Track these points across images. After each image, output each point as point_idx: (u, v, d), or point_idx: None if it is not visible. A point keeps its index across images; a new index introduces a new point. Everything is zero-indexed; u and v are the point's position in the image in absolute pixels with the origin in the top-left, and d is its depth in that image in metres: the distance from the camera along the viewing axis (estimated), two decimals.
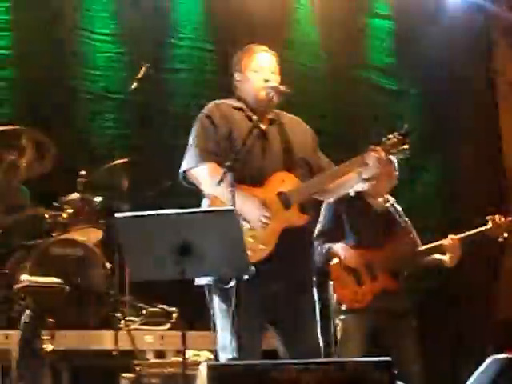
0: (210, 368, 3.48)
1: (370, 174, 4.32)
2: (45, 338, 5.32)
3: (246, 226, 4.12)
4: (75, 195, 6.23)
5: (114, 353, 5.59)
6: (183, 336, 3.75)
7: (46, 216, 6.08)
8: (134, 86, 6.58)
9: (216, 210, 3.94)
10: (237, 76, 4.50)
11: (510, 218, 5.52)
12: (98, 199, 6.29)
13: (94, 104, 7.32)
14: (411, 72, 8.36)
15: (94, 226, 6.22)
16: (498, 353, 4.14)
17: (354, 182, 4.45)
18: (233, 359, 4.01)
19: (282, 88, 4.37)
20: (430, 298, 7.35)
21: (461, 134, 8.28)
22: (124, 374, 5.28)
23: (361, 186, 5.22)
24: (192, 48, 7.72)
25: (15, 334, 5.36)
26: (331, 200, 5.15)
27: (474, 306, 7.73)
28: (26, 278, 5.61)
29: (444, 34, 8.22)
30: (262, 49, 4.51)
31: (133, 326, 5.86)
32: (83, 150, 7.08)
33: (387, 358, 3.58)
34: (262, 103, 4.37)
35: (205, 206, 4.29)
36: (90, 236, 6.17)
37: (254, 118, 4.34)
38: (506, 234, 5.50)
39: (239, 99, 4.47)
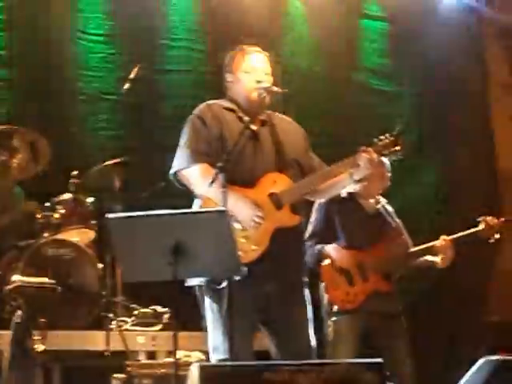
0: (202, 369, 3.48)
1: (361, 175, 4.32)
2: (36, 338, 5.32)
3: (237, 226, 4.13)
4: (67, 196, 6.23)
5: (106, 353, 5.59)
6: (175, 337, 3.75)
7: (38, 216, 6.08)
8: (127, 86, 6.59)
9: (208, 211, 3.94)
10: (228, 77, 4.50)
11: (502, 220, 5.53)
12: (91, 200, 6.29)
13: (87, 105, 7.31)
14: (405, 73, 8.35)
15: (86, 226, 6.22)
16: (490, 354, 4.14)
17: (345, 183, 4.45)
18: (224, 360, 4.02)
19: (274, 89, 4.37)
20: (423, 299, 7.36)
21: (456, 136, 8.28)
22: (115, 375, 5.28)
23: (352, 187, 5.22)
24: (185, 49, 7.70)
25: (7, 335, 5.35)
26: (323, 201, 5.16)
27: (466, 307, 7.73)
28: (17, 278, 5.61)
29: (438, 35, 8.22)
30: (254, 49, 4.50)
31: (124, 327, 5.86)
32: (76, 150, 7.07)
33: (379, 360, 3.59)
34: (253, 104, 4.37)
35: (197, 206, 4.30)
36: (83, 236, 6.18)
37: (246, 118, 4.34)
38: (497, 235, 5.50)
39: (231, 100, 4.47)
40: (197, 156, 4.26)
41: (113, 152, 6.74)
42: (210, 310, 4.20)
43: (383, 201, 5.67)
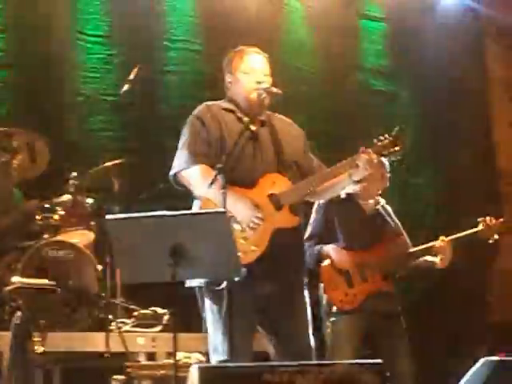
0: (201, 370, 3.48)
1: (360, 176, 4.32)
2: (36, 339, 5.32)
3: (237, 227, 4.12)
4: (67, 197, 6.23)
5: (106, 355, 5.58)
6: (174, 338, 3.75)
7: (38, 217, 6.08)
8: (126, 87, 6.58)
9: (207, 212, 3.94)
10: (228, 77, 4.50)
11: (501, 220, 5.52)
12: (90, 201, 6.29)
13: (86, 106, 7.31)
14: (405, 74, 8.37)
15: (85, 227, 6.22)
16: (490, 355, 4.15)
17: (344, 184, 4.44)
18: (224, 361, 4.02)
19: (274, 90, 4.37)
20: (424, 299, 7.36)
21: (455, 136, 8.28)
22: (115, 376, 5.27)
23: (352, 188, 5.21)
24: (184, 50, 7.71)
25: (6, 336, 5.34)
26: (322, 201, 5.15)
27: (467, 307, 7.74)
28: (17, 279, 5.61)
29: (437, 35, 8.23)
30: (254, 50, 4.50)
31: (124, 328, 5.85)
32: (75, 151, 7.07)
33: (379, 361, 3.59)
34: (253, 105, 4.36)
35: (196, 207, 4.29)
36: (82, 238, 6.16)
37: (245, 119, 4.34)
38: (496, 236, 5.51)
39: (230, 101, 4.46)
40: (196, 157, 4.26)
41: (112, 153, 6.74)
42: (210, 311, 4.20)
43: (382, 201, 5.67)
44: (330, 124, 7.94)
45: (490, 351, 4.92)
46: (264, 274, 4.16)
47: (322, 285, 5.47)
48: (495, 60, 8.57)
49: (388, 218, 5.63)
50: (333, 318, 5.42)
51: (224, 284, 4.02)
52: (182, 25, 7.72)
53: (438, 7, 8.45)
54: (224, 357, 4.02)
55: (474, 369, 4.04)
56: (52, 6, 7.30)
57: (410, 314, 5.63)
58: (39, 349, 5.31)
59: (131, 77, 6.55)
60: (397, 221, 5.69)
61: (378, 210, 5.60)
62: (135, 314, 6.02)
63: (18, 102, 7.09)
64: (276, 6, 8.06)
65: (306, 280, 4.41)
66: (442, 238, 5.48)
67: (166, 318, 5.93)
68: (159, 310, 5.99)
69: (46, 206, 6.13)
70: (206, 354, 4.30)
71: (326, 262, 5.43)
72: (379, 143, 4.34)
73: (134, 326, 5.94)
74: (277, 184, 4.26)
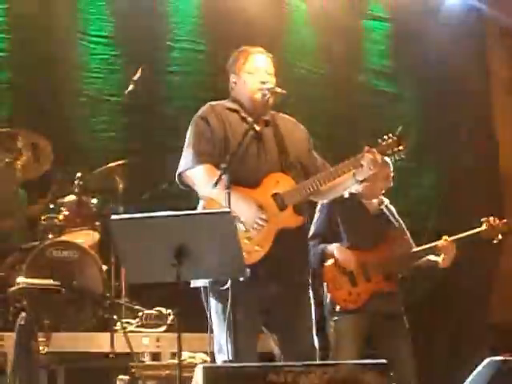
0: (206, 370, 3.48)
1: (364, 176, 4.32)
2: (40, 340, 5.33)
3: (241, 227, 4.12)
4: (71, 197, 6.24)
5: (110, 355, 5.59)
6: (179, 338, 3.75)
7: (42, 218, 6.09)
8: (130, 87, 6.58)
9: (212, 212, 3.93)
10: (232, 77, 4.50)
11: (504, 221, 5.53)
12: (94, 201, 6.30)
13: (88, 106, 7.32)
14: (407, 74, 8.36)
15: (90, 228, 6.22)
16: (494, 355, 4.15)
17: (348, 184, 4.44)
18: (229, 361, 4.02)
19: (278, 90, 4.37)
20: (426, 300, 7.36)
21: (458, 136, 8.28)
22: (120, 376, 5.27)
23: (355, 188, 5.22)
24: (187, 50, 7.71)
25: (11, 336, 5.35)
26: (325, 201, 5.15)
27: (469, 307, 7.74)
28: (22, 280, 5.62)
29: (440, 35, 8.22)
30: (258, 50, 4.50)
31: (129, 328, 5.86)
32: (79, 152, 7.08)
33: (383, 361, 3.59)
34: (257, 105, 4.36)
35: (200, 207, 4.30)
36: (87, 238, 6.17)
37: (249, 119, 4.34)
38: (500, 236, 5.51)
39: (234, 101, 4.46)
40: (201, 157, 4.26)
41: (115, 154, 6.75)
42: (215, 311, 4.20)
43: (386, 201, 5.67)
44: (332, 124, 7.94)
45: (492, 352, 4.91)
46: (268, 274, 4.16)
47: (325, 284, 5.47)
48: (498, 61, 8.57)
49: (392, 218, 5.64)
50: (336, 318, 5.42)
51: (228, 284, 4.02)
52: (185, 25, 7.73)
53: (441, 8, 8.44)
54: (229, 357, 4.02)
55: (478, 369, 4.05)
56: (55, 7, 7.31)
57: (413, 314, 5.64)
58: (44, 349, 5.32)
59: (135, 77, 6.56)
60: (400, 221, 5.70)
61: (381, 209, 5.61)
62: (140, 314, 6.03)
63: (20, 102, 7.10)
64: (279, 6, 8.06)
65: (310, 280, 4.41)
66: (444, 237, 5.48)
67: (170, 318, 5.94)
68: (164, 310, 6.00)
69: (51, 206, 6.14)
70: (211, 354, 4.30)
71: (330, 262, 5.44)
72: (383, 143, 4.34)
73: (138, 326, 5.95)
74: (281, 183, 4.27)
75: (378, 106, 8.20)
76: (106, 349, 5.62)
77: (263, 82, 4.37)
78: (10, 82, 7.12)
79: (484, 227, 5.50)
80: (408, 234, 5.71)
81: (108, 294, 5.92)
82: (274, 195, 4.24)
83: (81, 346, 5.69)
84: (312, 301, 4.37)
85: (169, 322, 5.92)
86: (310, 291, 4.38)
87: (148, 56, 7.41)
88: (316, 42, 8.16)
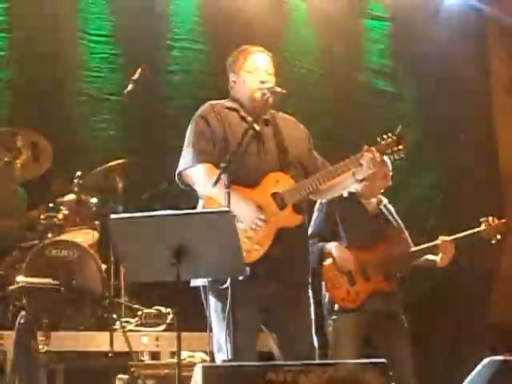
0: (205, 369, 3.48)
1: (364, 175, 4.32)
2: (40, 339, 5.33)
3: (240, 226, 4.12)
4: (71, 196, 6.24)
5: (110, 354, 5.59)
6: (178, 337, 3.75)
7: (42, 217, 6.09)
8: (130, 87, 6.59)
9: (211, 211, 3.93)
10: (231, 77, 4.50)
11: (503, 220, 5.53)
12: (94, 200, 6.30)
13: (89, 105, 7.32)
14: (408, 74, 8.36)
15: (89, 227, 6.22)
16: (493, 354, 4.15)
17: (348, 183, 4.44)
18: (228, 360, 4.02)
19: (277, 89, 4.37)
20: (426, 300, 7.36)
21: (458, 136, 8.27)
22: (119, 375, 5.28)
23: (355, 187, 5.22)
24: (187, 49, 7.71)
25: (10, 335, 5.35)
26: (324, 200, 5.15)
27: (469, 307, 7.73)
28: (21, 279, 5.62)
29: (440, 35, 8.22)
30: (258, 49, 4.50)
31: (128, 328, 5.86)
32: (79, 151, 7.08)
33: (382, 360, 3.60)
34: (256, 104, 4.36)
35: (200, 206, 4.30)
36: (86, 237, 6.18)
37: (249, 118, 4.34)
38: (499, 236, 5.51)
39: (234, 100, 4.47)
40: (201, 156, 4.27)
41: (115, 153, 6.75)
42: (214, 310, 4.21)
43: (385, 200, 5.67)
44: (332, 123, 7.94)
45: (491, 352, 4.91)
46: (268, 273, 4.16)
47: (323, 283, 5.47)
48: (498, 61, 8.57)
49: (390, 218, 5.64)
50: (334, 317, 5.42)
51: (228, 283, 4.02)
52: (185, 25, 7.73)
53: (441, 8, 8.44)
54: (228, 356, 4.02)
55: (478, 368, 4.05)
56: (55, 6, 7.31)
57: (412, 314, 5.63)
58: (43, 348, 5.32)
59: (135, 77, 6.56)
60: (399, 220, 5.70)
61: (380, 209, 5.61)
62: (139, 313, 6.03)
63: (21, 101, 7.10)
64: (279, 5, 8.06)
65: (310, 279, 4.41)
66: (443, 237, 5.48)
67: (169, 317, 5.94)
68: (163, 309, 6.00)
69: (50, 205, 6.14)
70: (211, 353, 4.30)
71: (329, 261, 5.43)
72: (383, 142, 4.35)
73: (137, 325, 5.95)
74: (280, 183, 4.27)
75: (378, 106, 8.20)
76: (106, 348, 5.62)
77: (263, 82, 4.37)
78: (11, 80, 7.12)
79: (483, 227, 5.50)
80: (407, 234, 5.70)
81: (107, 293, 5.92)
82: (274, 194, 4.24)
83: (80, 345, 5.69)
84: (311, 300, 4.37)
85: (168, 321, 5.93)
86: (310, 290, 4.38)
87: (148, 55, 7.40)
88: (316, 42, 8.15)
